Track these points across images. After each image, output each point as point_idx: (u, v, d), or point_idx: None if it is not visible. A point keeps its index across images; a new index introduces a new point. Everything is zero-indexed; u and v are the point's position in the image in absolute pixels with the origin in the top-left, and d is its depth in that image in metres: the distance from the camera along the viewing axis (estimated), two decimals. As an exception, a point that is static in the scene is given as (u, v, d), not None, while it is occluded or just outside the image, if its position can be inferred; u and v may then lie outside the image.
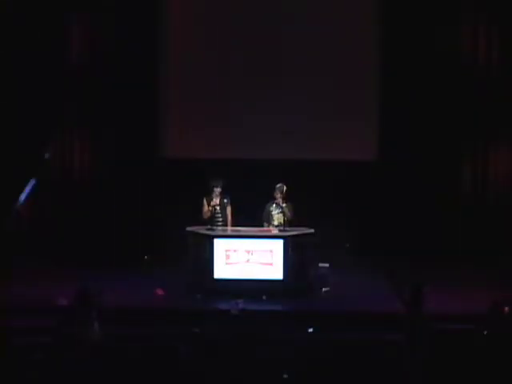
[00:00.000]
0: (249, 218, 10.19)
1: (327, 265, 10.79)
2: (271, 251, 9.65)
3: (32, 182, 12.02)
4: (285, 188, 10.09)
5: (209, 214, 10.13)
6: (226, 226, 10.23)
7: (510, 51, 11.77)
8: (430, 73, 11.77)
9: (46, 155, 12.09)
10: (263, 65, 11.97)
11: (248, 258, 9.66)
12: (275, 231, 10.02)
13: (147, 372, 6.23)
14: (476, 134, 11.94)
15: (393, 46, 11.83)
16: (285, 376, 6.28)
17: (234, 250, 9.69)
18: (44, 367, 6.49)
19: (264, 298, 9.39)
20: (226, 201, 10.29)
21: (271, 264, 9.64)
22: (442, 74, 11.82)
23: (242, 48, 12.02)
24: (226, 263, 9.67)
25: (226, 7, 12.07)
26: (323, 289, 9.92)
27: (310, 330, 7.91)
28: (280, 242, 9.67)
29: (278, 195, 10.08)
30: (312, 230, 9.94)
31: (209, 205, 10.19)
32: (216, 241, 9.72)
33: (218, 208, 10.24)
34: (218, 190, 10.13)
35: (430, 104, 11.76)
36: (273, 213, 10.16)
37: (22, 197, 12.03)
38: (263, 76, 12.00)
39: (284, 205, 10.07)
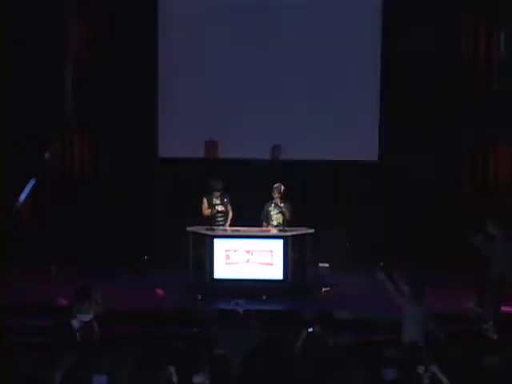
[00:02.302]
0: (249, 218, 10.19)
1: (327, 265, 10.79)
2: (271, 251, 9.65)
3: (32, 182, 12.05)
4: (283, 187, 10.08)
5: (209, 212, 10.17)
6: (227, 225, 10.26)
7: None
8: (430, 72, 11.78)
9: (46, 155, 12.11)
10: (263, 64, 11.97)
11: (248, 258, 9.66)
12: (275, 231, 10.02)
13: (147, 372, 6.22)
14: (476, 134, 11.94)
15: (393, 47, 11.83)
16: None
17: (234, 250, 9.69)
18: (44, 367, 6.47)
19: (264, 298, 9.39)
20: (225, 200, 10.30)
21: (271, 264, 9.64)
22: (442, 74, 11.84)
23: (242, 47, 12.02)
24: (226, 263, 9.67)
25: (227, 7, 12.07)
26: (323, 289, 9.92)
27: (310, 329, 7.89)
28: (280, 242, 9.67)
29: (276, 195, 10.08)
30: (312, 230, 9.95)
31: (209, 204, 10.22)
32: (216, 241, 9.71)
33: (218, 208, 10.26)
34: (217, 193, 10.18)
35: (430, 104, 11.75)
36: (271, 213, 10.15)
37: (22, 197, 12.06)
38: (263, 76, 11.99)
39: (282, 204, 10.07)
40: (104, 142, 12.30)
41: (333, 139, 11.93)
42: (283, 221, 10.04)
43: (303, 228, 9.95)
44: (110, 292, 8.07)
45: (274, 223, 10.13)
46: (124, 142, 12.12)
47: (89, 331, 6.47)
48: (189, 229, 10.06)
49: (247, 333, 6.71)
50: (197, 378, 5.29)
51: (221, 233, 9.97)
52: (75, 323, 6.43)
